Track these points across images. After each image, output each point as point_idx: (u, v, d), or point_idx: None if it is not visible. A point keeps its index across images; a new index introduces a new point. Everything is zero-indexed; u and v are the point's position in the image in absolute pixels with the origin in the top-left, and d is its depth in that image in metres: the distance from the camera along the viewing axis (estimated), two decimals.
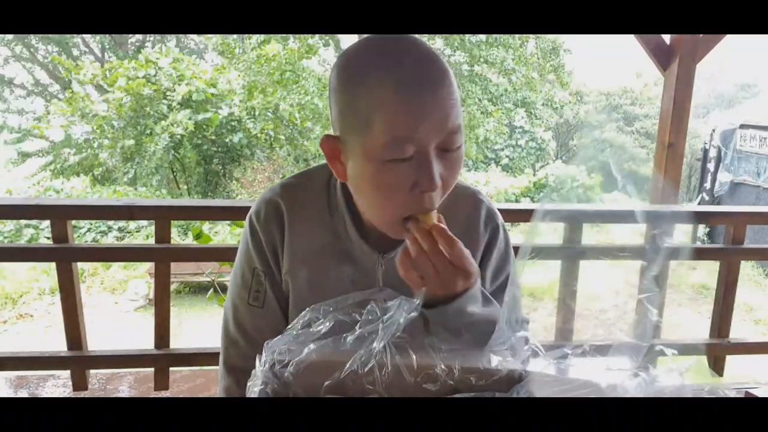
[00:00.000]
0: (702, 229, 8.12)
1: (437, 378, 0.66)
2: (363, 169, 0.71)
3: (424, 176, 0.68)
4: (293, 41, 9.86)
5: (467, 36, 10.31)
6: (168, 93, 8.30)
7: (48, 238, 6.43)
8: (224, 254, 1.79)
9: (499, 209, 0.91)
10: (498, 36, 10.33)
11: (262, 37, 9.76)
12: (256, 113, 8.71)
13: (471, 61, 10.56)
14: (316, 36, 10.09)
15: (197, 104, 8.33)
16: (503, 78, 11.00)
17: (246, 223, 0.86)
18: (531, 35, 11.21)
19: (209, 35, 10.23)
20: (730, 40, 2.60)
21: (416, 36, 0.73)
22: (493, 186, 10.63)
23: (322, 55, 12.12)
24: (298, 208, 0.84)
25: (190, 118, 8.11)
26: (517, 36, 10.62)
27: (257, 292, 0.85)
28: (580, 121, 17.39)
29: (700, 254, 2.17)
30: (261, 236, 0.84)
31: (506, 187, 10.48)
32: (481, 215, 0.88)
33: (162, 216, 1.69)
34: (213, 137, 8.70)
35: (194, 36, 13.85)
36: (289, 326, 0.70)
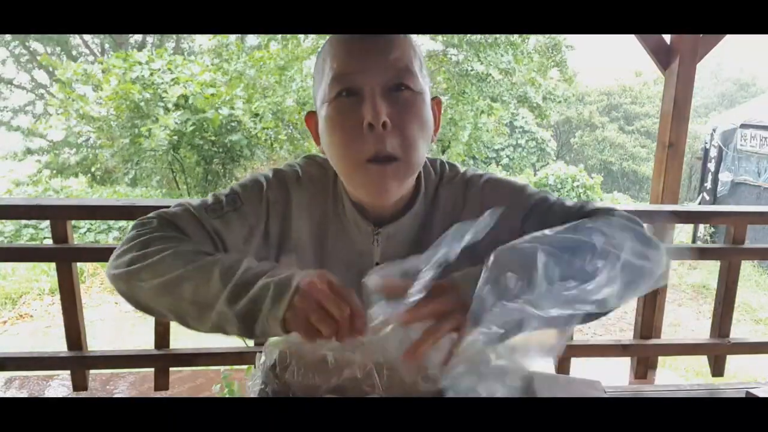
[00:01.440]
0: (702, 229, 8.12)
1: (437, 379, 0.66)
2: (322, 118, 0.77)
3: (368, 109, 0.72)
4: (292, 43, 9.86)
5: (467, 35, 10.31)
6: (164, 95, 8.29)
7: (48, 238, 6.43)
8: None
9: None
10: (496, 36, 10.32)
11: (261, 37, 9.76)
12: (256, 113, 8.71)
13: (471, 59, 10.55)
14: (315, 36, 10.09)
15: (195, 105, 8.32)
16: (503, 77, 10.99)
17: (260, 175, 0.86)
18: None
19: (209, 36, 10.23)
20: (730, 40, 2.60)
21: None
22: None
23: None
24: (315, 184, 0.86)
25: (187, 120, 8.10)
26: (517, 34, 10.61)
27: (219, 209, 0.81)
28: (582, 120, 17.39)
29: (700, 254, 2.16)
30: (269, 194, 0.84)
31: None
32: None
33: None
34: (213, 137, 8.70)
35: (193, 36, 13.85)
36: None
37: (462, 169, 0.90)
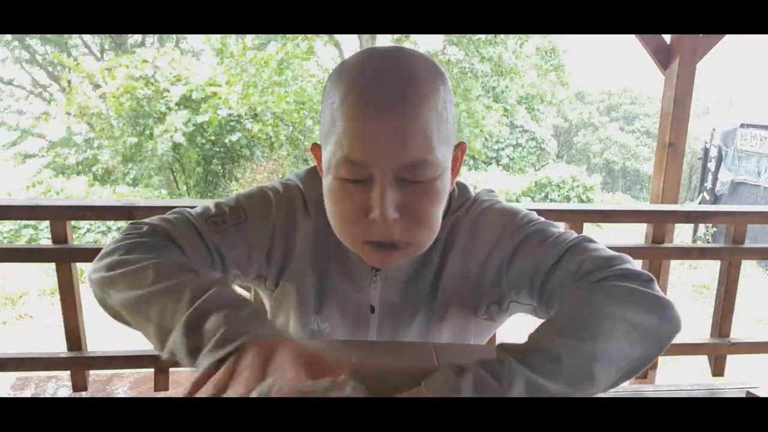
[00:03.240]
0: (703, 229, 8.12)
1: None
2: (326, 182, 0.70)
3: (375, 204, 0.65)
4: (291, 44, 9.87)
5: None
6: (165, 93, 8.29)
7: (48, 238, 6.42)
8: None
9: None
10: (495, 35, 10.34)
11: (261, 37, 9.77)
12: (256, 113, 8.71)
13: (470, 59, 10.56)
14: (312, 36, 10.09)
15: (196, 103, 8.32)
16: (502, 77, 11.01)
17: (268, 189, 0.81)
18: (528, 35, 11.23)
19: (208, 36, 10.23)
20: (730, 39, 2.60)
21: (411, 51, 0.69)
22: (493, 186, 10.63)
23: (322, 56, 12.13)
24: (320, 208, 0.78)
25: (189, 120, 8.11)
26: (515, 37, 10.63)
27: (221, 222, 0.76)
28: (582, 121, 17.40)
29: (700, 254, 2.16)
30: (276, 218, 0.79)
31: (507, 187, 10.48)
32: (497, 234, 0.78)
33: None
34: (213, 137, 8.71)
35: (192, 36, 13.85)
36: None
37: (472, 193, 0.83)
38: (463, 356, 0.67)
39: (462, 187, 0.84)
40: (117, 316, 0.69)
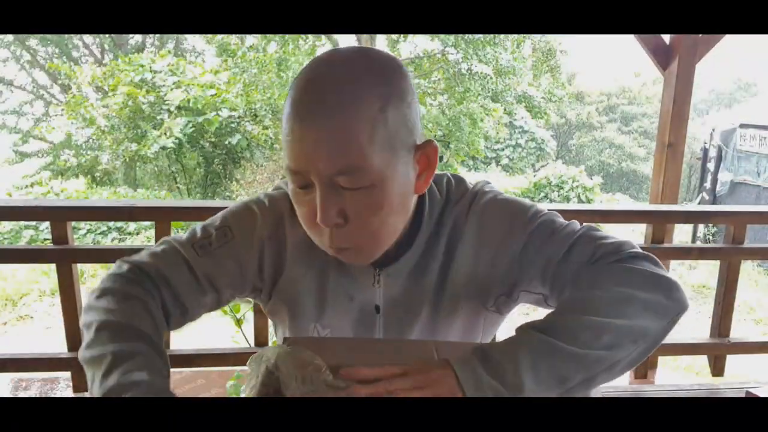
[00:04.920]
0: (703, 229, 8.12)
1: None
2: (289, 186, 0.71)
3: (318, 210, 0.66)
4: (292, 44, 9.87)
5: (466, 35, 10.32)
6: (166, 98, 8.29)
7: (48, 239, 6.42)
8: None
9: None
10: (494, 36, 10.34)
11: (261, 37, 9.76)
12: (256, 114, 8.71)
13: (468, 59, 10.56)
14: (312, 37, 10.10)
15: (196, 108, 8.32)
16: (500, 77, 11.01)
17: (253, 203, 0.82)
18: (526, 37, 11.24)
19: (208, 36, 10.24)
20: (730, 39, 2.60)
21: (353, 52, 0.69)
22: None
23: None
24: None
25: (188, 123, 8.11)
26: (512, 37, 10.65)
27: (208, 245, 0.77)
28: (582, 121, 17.40)
29: (700, 254, 2.16)
30: (262, 232, 0.79)
31: (506, 187, 10.49)
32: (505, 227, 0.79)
33: (162, 217, 1.68)
34: (213, 139, 8.71)
35: (192, 37, 13.85)
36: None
37: (470, 185, 0.83)
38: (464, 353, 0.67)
39: (458, 180, 0.84)
40: None
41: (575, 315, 0.67)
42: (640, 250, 0.74)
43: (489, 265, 0.79)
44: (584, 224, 0.78)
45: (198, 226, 0.80)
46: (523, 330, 0.67)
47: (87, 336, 0.69)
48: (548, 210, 0.81)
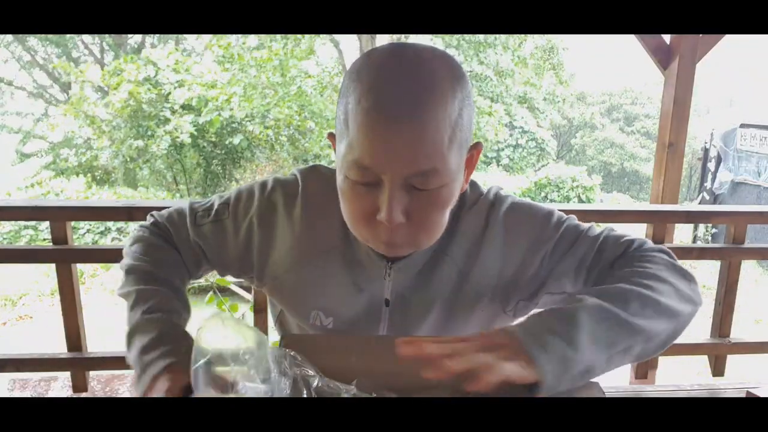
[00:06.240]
0: (703, 229, 8.12)
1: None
2: (339, 178, 0.71)
3: (383, 206, 0.65)
4: (292, 43, 9.87)
5: (466, 36, 10.32)
6: (169, 96, 8.29)
7: (47, 239, 6.42)
8: None
9: None
10: (497, 36, 10.34)
11: (261, 37, 9.76)
12: (255, 114, 8.71)
13: (468, 61, 10.56)
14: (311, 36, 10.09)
15: (198, 107, 8.33)
16: (501, 78, 11.01)
17: (257, 186, 0.84)
18: (527, 35, 11.23)
19: (208, 37, 10.23)
20: (730, 39, 2.60)
21: (434, 52, 0.68)
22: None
23: (321, 56, 12.14)
24: (316, 203, 0.81)
25: (191, 122, 8.11)
26: (514, 36, 10.64)
27: (205, 216, 0.84)
28: (583, 121, 17.40)
29: (700, 254, 2.16)
30: (255, 207, 0.83)
31: (507, 188, 10.45)
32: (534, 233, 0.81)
33: None
34: (214, 139, 8.71)
35: (192, 37, 13.85)
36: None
37: (484, 189, 0.84)
38: None
39: (472, 184, 0.85)
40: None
41: (623, 286, 0.70)
42: (661, 246, 0.81)
43: (516, 269, 0.81)
44: (603, 227, 0.84)
45: (218, 195, 0.87)
46: (579, 297, 0.69)
47: (121, 277, 0.81)
48: (568, 215, 0.84)
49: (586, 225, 0.83)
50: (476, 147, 0.75)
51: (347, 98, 0.66)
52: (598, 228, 0.83)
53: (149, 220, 0.88)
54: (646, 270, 0.74)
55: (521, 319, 0.71)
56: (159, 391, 0.65)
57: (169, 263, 0.83)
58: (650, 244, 0.81)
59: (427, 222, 0.69)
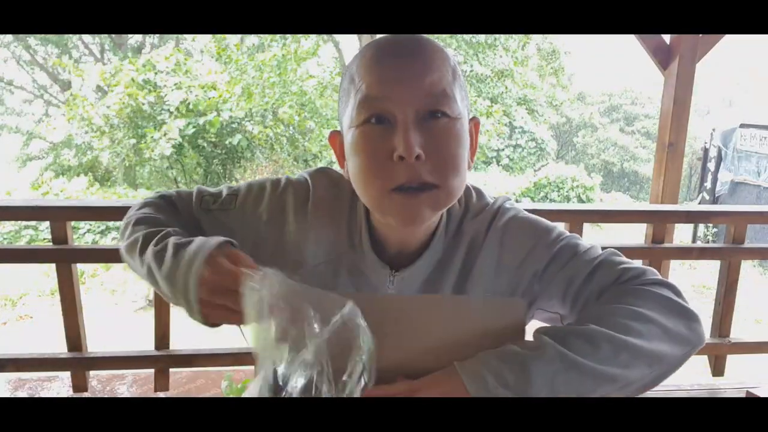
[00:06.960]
0: (703, 229, 8.12)
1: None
2: (349, 139, 0.71)
3: (400, 141, 0.66)
4: (292, 43, 9.87)
5: (466, 37, 10.31)
6: (167, 98, 8.28)
7: (47, 239, 6.42)
8: None
9: None
10: (497, 37, 10.33)
11: (261, 37, 9.76)
12: (255, 115, 8.71)
13: (469, 62, 10.56)
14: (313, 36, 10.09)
15: (196, 109, 8.32)
16: (501, 79, 11.01)
17: (270, 183, 0.83)
18: (530, 38, 11.23)
19: (207, 37, 10.23)
20: (729, 39, 2.60)
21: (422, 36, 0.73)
22: (493, 186, 10.62)
23: (321, 56, 12.13)
24: (324, 209, 0.80)
25: (188, 124, 8.10)
26: (516, 38, 10.64)
27: (211, 203, 0.82)
28: (583, 121, 17.39)
29: (700, 254, 2.16)
30: (265, 205, 0.81)
31: (507, 187, 10.48)
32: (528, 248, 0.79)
33: None
34: (214, 139, 8.71)
35: (192, 38, 13.84)
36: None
37: (490, 199, 0.83)
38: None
39: (479, 192, 0.84)
40: (144, 279, 0.77)
41: (595, 328, 0.65)
42: (663, 279, 0.74)
43: (508, 282, 0.79)
44: (606, 249, 0.79)
45: (226, 185, 0.86)
46: (541, 338, 0.65)
47: (126, 232, 0.78)
48: (570, 233, 0.81)
49: (585, 245, 0.79)
50: (474, 120, 0.77)
51: (350, 69, 0.72)
52: (600, 250, 0.78)
53: (155, 194, 0.86)
54: (630, 308, 0.68)
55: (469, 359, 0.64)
56: (222, 270, 0.64)
57: (177, 219, 0.81)
58: (651, 275, 0.74)
59: (447, 157, 0.69)
